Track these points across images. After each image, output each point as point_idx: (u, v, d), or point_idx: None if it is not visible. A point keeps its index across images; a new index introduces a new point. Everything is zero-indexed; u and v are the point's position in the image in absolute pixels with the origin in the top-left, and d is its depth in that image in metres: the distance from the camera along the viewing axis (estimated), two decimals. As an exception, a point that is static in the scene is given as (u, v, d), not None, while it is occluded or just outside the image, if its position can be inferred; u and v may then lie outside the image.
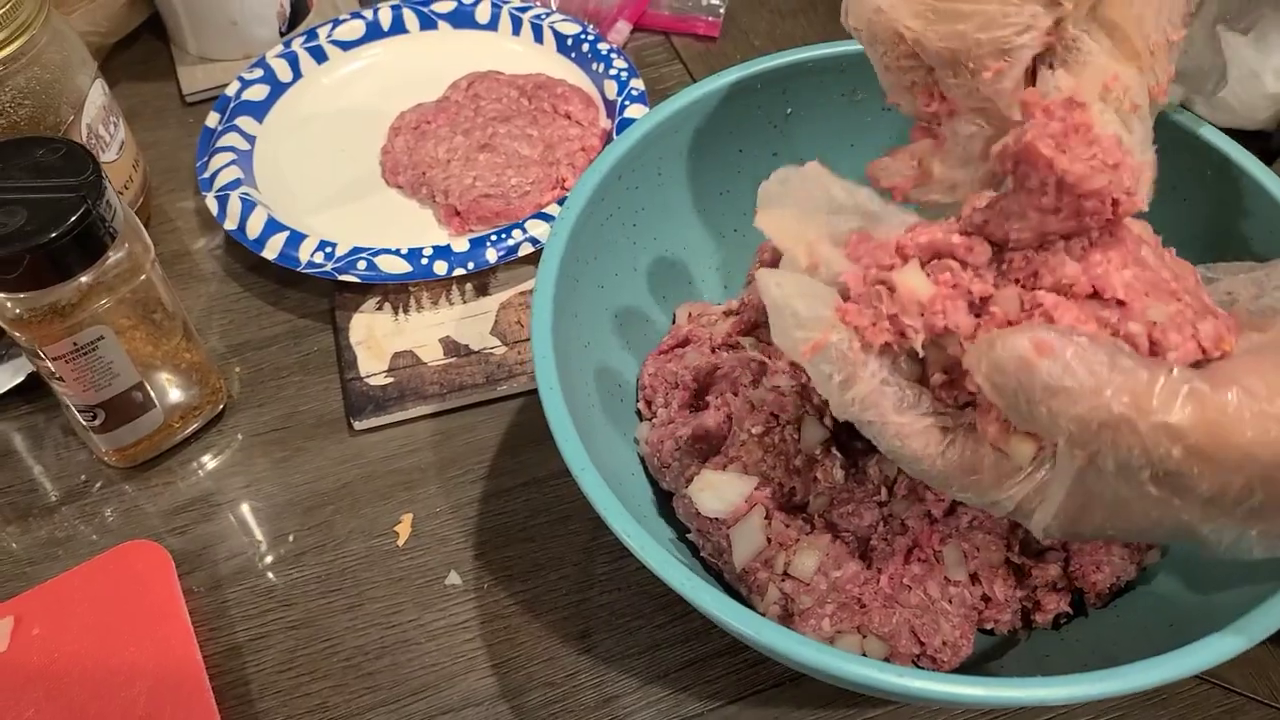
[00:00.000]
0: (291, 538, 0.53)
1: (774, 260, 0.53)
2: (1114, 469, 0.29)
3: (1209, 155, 0.46)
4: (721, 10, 0.78)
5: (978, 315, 0.33)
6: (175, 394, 0.54)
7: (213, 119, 0.67)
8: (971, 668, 0.44)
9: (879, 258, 0.34)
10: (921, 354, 0.33)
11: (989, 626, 0.44)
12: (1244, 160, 0.45)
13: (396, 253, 0.59)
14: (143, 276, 0.49)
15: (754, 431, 0.44)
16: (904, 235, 0.35)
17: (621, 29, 0.76)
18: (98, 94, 0.59)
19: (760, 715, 0.46)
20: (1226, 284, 0.35)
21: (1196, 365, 0.31)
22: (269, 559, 0.52)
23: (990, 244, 0.33)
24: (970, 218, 0.33)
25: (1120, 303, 0.31)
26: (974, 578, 0.43)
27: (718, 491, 0.44)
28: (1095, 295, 0.31)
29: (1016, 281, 0.33)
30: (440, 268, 0.59)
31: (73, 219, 0.44)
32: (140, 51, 0.78)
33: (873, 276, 0.34)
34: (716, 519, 0.44)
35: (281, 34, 0.75)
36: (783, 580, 0.43)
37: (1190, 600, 0.42)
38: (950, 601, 0.43)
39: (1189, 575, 0.43)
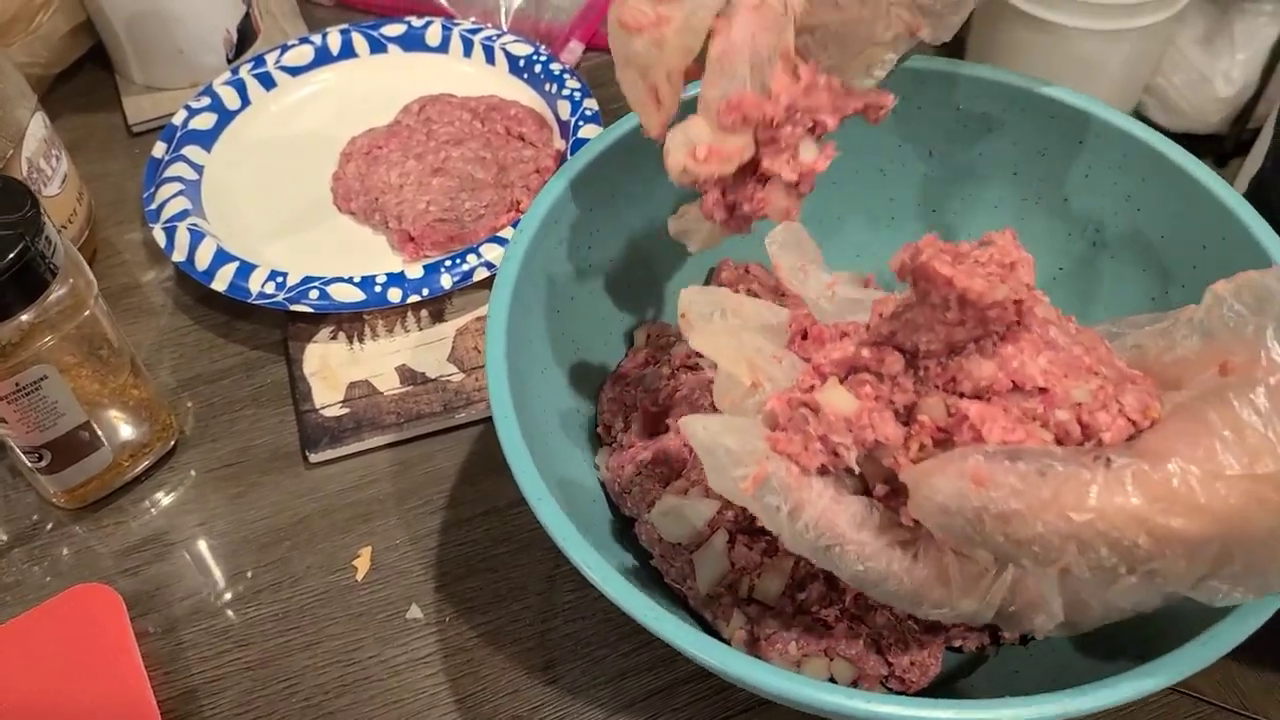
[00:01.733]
0: (248, 575, 0.51)
1: (731, 280, 0.53)
2: (1089, 574, 0.29)
3: (1161, 165, 0.47)
4: (674, 28, 0.77)
5: (906, 424, 0.33)
6: (125, 431, 0.53)
7: (159, 149, 0.66)
8: (940, 687, 0.43)
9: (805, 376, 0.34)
10: (858, 470, 0.33)
11: (957, 644, 0.44)
12: (1194, 168, 0.46)
13: (350, 281, 0.58)
14: (86, 313, 0.48)
15: (715, 454, 0.44)
16: (818, 356, 0.35)
17: (574, 49, 0.76)
18: (38, 127, 0.58)
19: (730, 741, 0.46)
20: (1133, 338, 0.35)
21: (1130, 439, 0.30)
22: (225, 598, 0.51)
23: (901, 352, 0.33)
24: (877, 328, 0.33)
25: (1042, 390, 0.31)
26: (940, 595, 0.43)
27: (680, 516, 0.43)
28: (1016, 388, 0.31)
29: (937, 388, 0.32)
30: (395, 295, 0.58)
31: (10, 256, 0.43)
32: (84, 82, 0.76)
33: (796, 400, 0.33)
34: (679, 544, 0.44)
35: (228, 61, 0.74)
36: (748, 604, 0.42)
37: (1158, 611, 0.41)
38: (918, 621, 0.43)
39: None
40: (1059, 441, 0.30)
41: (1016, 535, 0.28)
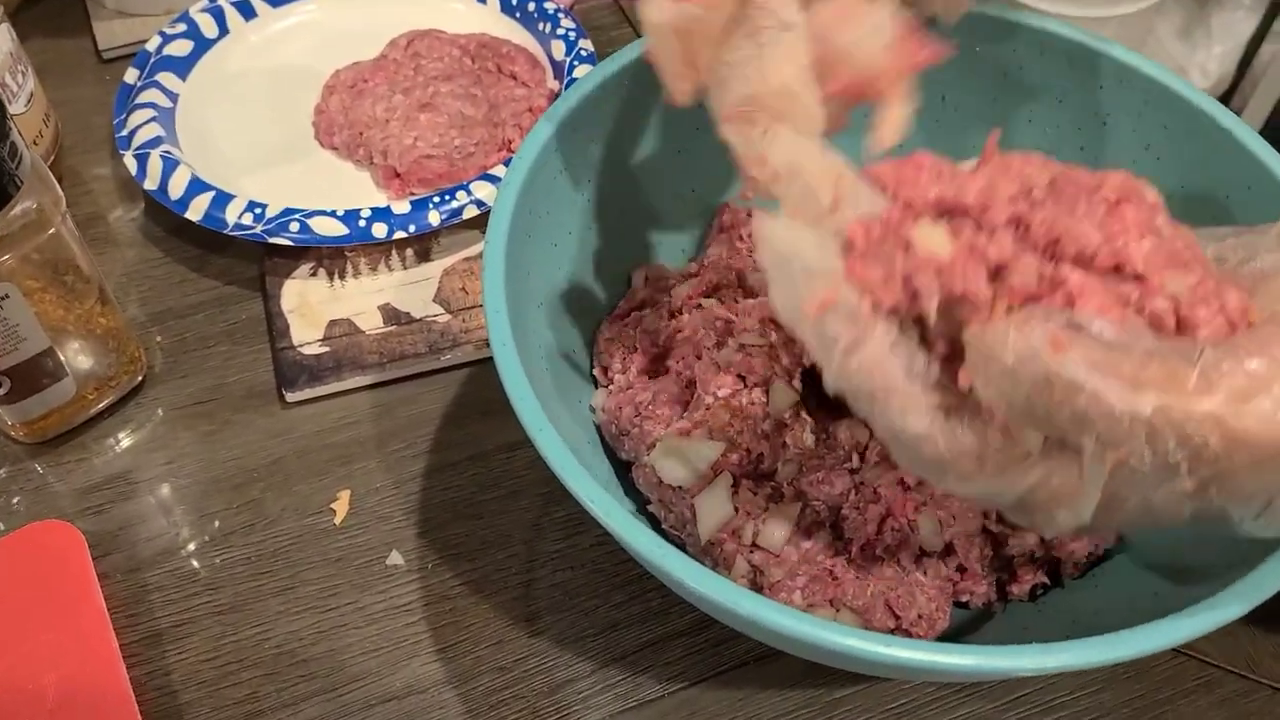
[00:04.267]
0: (219, 517, 0.49)
1: (733, 223, 0.51)
2: (1150, 467, 0.27)
3: (1184, 111, 0.45)
4: (671, -25, 0.75)
5: (993, 283, 0.31)
6: (89, 363, 0.50)
7: (131, 75, 0.63)
8: (947, 643, 0.41)
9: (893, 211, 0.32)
10: (933, 318, 0.31)
11: (964, 599, 0.42)
12: (1220, 115, 0.44)
13: (332, 214, 0.55)
14: (51, 230, 0.45)
15: (720, 394, 0.42)
16: (912, 190, 0.32)
17: (568, -9, 0.73)
18: (3, 40, 0.55)
19: (723, 697, 0.44)
20: (1213, 250, 0.33)
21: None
22: (193, 540, 0.48)
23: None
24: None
25: (1139, 277, 0.29)
26: (949, 547, 0.41)
27: (682, 457, 0.41)
28: (1115, 269, 0.30)
29: (1036, 248, 0.30)
30: (379, 230, 0.55)
31: (-29, 162, 0.40)
32: (53, 5, 0.73)
33: (885, 230, 0.31)
34: (680, 487, 0.42)
35: (207, -12, 0.71)
36: (751, 551, 0.40)
37: (1171, 567, 0.40)
38: (925, 573, 0.41)
39: (1169, 542, 0.41)
40: (1153, 330, 0.28)
41: (1085, 410, 0.27)
